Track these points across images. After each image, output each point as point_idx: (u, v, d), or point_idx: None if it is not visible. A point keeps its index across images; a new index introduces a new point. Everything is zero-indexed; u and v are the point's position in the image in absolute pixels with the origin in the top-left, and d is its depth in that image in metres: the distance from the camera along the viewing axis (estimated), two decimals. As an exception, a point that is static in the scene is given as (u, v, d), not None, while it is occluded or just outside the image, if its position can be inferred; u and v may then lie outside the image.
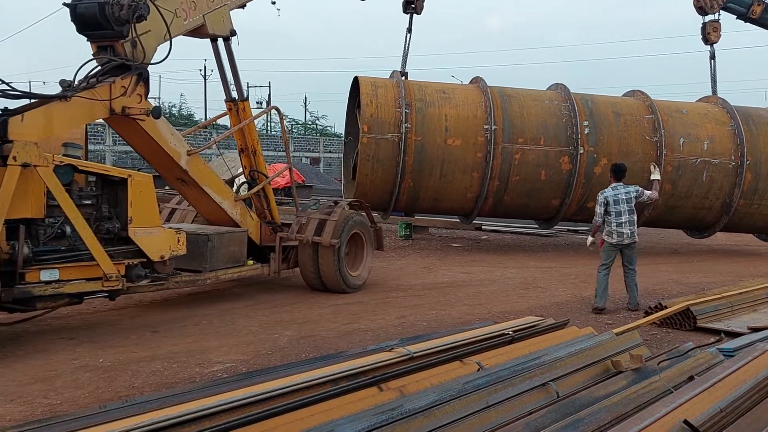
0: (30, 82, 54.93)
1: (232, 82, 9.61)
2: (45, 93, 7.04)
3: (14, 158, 6.35)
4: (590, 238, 9.71)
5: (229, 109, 9.59)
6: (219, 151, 18.92)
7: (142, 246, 7.38)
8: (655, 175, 9.76)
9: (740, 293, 9.47)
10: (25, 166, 6.40)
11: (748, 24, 17.31)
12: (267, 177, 9.80)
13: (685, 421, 4.05)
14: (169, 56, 7.81)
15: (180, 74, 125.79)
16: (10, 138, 6.44)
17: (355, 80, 14.64)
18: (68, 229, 6.83)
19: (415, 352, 5.62)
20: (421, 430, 4.12)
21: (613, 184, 9.35)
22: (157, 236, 7.56)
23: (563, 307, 9.41)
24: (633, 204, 9.18)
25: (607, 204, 9.17)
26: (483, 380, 4.97)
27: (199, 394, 4.64)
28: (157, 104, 7.72)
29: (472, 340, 6.20)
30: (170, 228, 7.92)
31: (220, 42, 9.22)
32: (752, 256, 15.91)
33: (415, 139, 13.60)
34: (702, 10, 16.63)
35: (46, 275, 6.67)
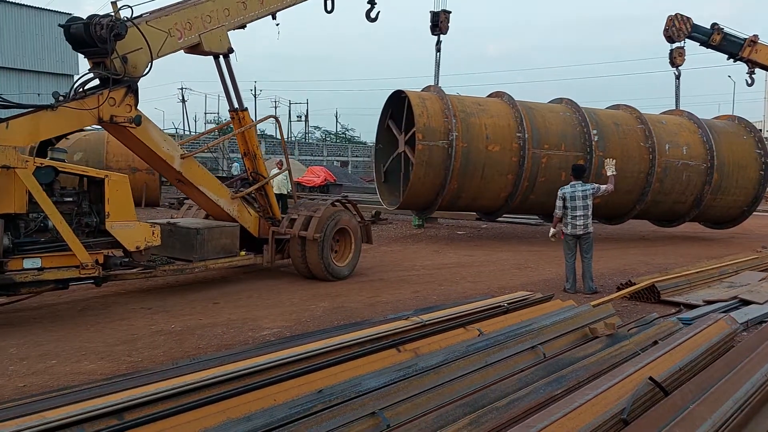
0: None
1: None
2: (35, 104, 6.76)
3: None
4: (552, 230, 9.22)
5: (232, 118, 9.19)
6: (214, 154, 18.63)
7: (119, 238, 7.10)
8: (611, 171, 9.25)
9: (697, 272, 9.42)
10: (4, 167, 6.16)
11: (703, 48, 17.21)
12: (265, 178, 9.27)
13: (651, 378, 4.04)
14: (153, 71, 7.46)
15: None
16: None
17: (397, 93, 14.14)
18: (50, 223, 6.57)
19: (426, 321, 5.62)
20: (433, 384, 4.14)
21: (572, 182, 8.98)
22: (133, 229, 7.22)
23: (549, 284, 9.37)
24: (589, 200, 8.80)
25: (564, 199, 8.87)
26: (483, 344, 4.98)
27: (252, 354, 4.67)
28: (139, 114, 7.33)
29: (474, 310, 6.19)
30: (145, 222, 7.60)
31: (222, 59, 8.77)
32: (707, 241, 15.73)
33: (462, 146, 13.21)
34: (670, 39, 16.64)
35: (29, 263, 6.44)
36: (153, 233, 7.38)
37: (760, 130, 20.81)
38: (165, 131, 8.35)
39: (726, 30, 16.93)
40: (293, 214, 9.23)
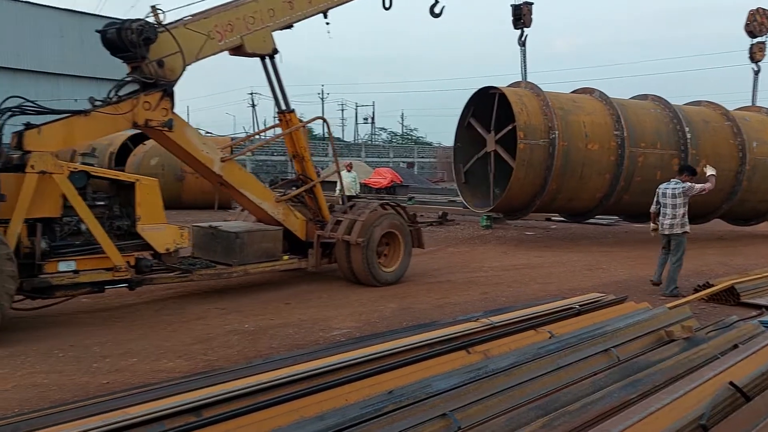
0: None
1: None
2: (69, 109, 6.83)
3: (32, 167, 6.27)
4: (651, 225, 9.04)
5: (280, 120, 9.06)
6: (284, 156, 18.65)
7: (149, 240, 7.16)
8: (710, 172, 8.98)
9: (781, 273, 8.98)
10: (41, 173, 6.31)
11: None
12: (313, 181, 9.07)
13: (731, 383, 3.89)
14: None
15: (302, 96, 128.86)
16: (26, 149, 6.36)
17: (483, 90, 13.68)
18: (83, 227, 6.68)
19: (496, 322, 5.59)
20: (503, 386, 4.12)
21: (674, 179, 8.76)
22: (163, 232, 7.26)
23: (622, 285, 9.11)
24: (679, 199, 8.49)
25: (657, 195, 8.72)
26: (554, 346, 4.91)
27: (323, 354, 4.75)
28: (172, 117, 7.29)
29: (544, 312, 6.12)
30: (175, 225, 7.55)
31: (268, 60, 8.62)
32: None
33: (563, 145, 12.60)
34: (752, 34, 16.00)
35: (63, 266, 6.56)
36: (182, 235, 7.45)
37: None
38: (235, 136, 8.60)
39: None
40: (339, 217, 9.02)
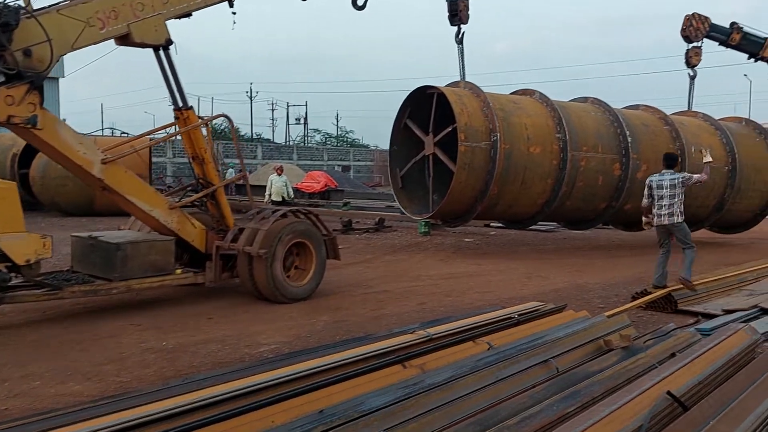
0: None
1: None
2: None
3: None
4: (644, 219, 9.17)
5: (176, 118, 8.55)
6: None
7: (7, 251, 6.66)
8: (707, 158, 9.20)
9: (715, 280, 9.42)
10: None
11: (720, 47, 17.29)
12: (214, 185, 8.61)
13: (669, 392, 4.02)
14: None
15: (230, 96, 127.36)
16: None
17: (420, 90, 13.60)
18: None
19: (433, 334, 5.62)
20: (440, 401, 4.12)
21: (662, 171, 8.93)
22: (22, 241, 6.77)
23: (561, 294, 9.33)
24: (678, 189, 8.67)
25: (650, 188, 8.83)
26: (493, 358, 4.97)
27: (248, 372, 4.66)
28: (36, 114, 6.72)
29: (483, 323, 6.19)
30: (36, 234, 7.05)
31: (162, 52, 8.18)
32: (725, 247, 15.68)
33: (504, 147, 12.62)
34: (688, 39, 16.71)
35: None
36: (44, 245, 6.97)
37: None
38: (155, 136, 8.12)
39: (746, 29, 17.02)
40: (242, 226, 8.55)
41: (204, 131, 8.96)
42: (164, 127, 9.11)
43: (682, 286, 8.61)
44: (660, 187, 8.75)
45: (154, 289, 8.26)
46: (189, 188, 9.28)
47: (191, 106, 8.60)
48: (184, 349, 6.34)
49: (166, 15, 8.03)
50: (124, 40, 7.77)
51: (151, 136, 9.82)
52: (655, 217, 8.82)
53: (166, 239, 8.15)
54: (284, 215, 8.79)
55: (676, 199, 8.71)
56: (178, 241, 8.27)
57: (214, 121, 21.78)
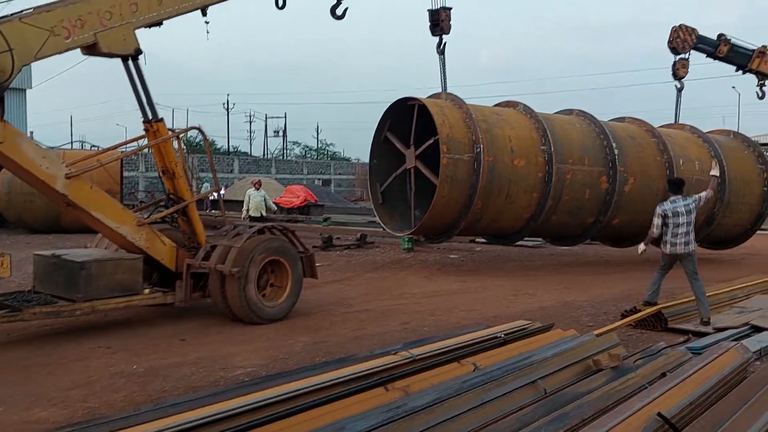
0: None
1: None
2: None
3: None
4: (642, 246, 9.06)
5: (146, 130, 8.43)
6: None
7: None
8: (715, 171, 9.19)
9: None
10: None
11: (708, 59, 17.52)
12: (187, 200, 8.52)
13: (659, 414, 4.03)
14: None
15: (207, 107, 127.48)
16: None
17: (401, 102, 13.53)
18: None
19: (417, 355, 5.60)
20: (424, 426, 4.10)
21: (672, 198, 8.82)
22: None
23: (548, 312, 9.35)
24: (693, 215, 8.64)
25: (665, 216, 8.64)
26: (478, 379, 4.96)
27: (223, 397, 4.61)
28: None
29: (468, 342, 6.18)
30: None
31: (131, 62, 8.08)
32: (715, 263, 15.81)
33: (488, 160, 12.48)
34: (675, 50, 16.82)
35: None
36: (2, 264, 6.88)
37: (768, 144, 21.34)
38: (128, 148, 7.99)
39: (733, 41, 17.24)
40: (214, 243, 8.42)
41: (175, 144, 8.89)
42: (134, 140, 8.98)
43: (669, 303, 8.67)
44: (676, 215, 8.60)
45: (121, 310, 8.14)
46: (160, 203, 9.14)
47: (161, 118, 8.51)
48: (156, 373, 6.25)
49: (135, 24, 7.95)
50: (91, 49, 7.68)
51: (120, 149, 9.64)
52: (668, 245, 8.67)
53: (133, 257, 8.00)
54: (259, 232, 8.71)
55: (691, 227, 8.66)
56: (147, 259, 8.15)
57: (189, 134, 21.54)
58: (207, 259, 8.21)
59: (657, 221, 8.70)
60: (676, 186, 9.04)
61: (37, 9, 7.18)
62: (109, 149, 10.16)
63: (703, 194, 8.97)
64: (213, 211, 24.18)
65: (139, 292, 7.94)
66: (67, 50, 7.43)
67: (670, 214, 8.63)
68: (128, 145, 9.80)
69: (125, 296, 7.78)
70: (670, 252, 8.68)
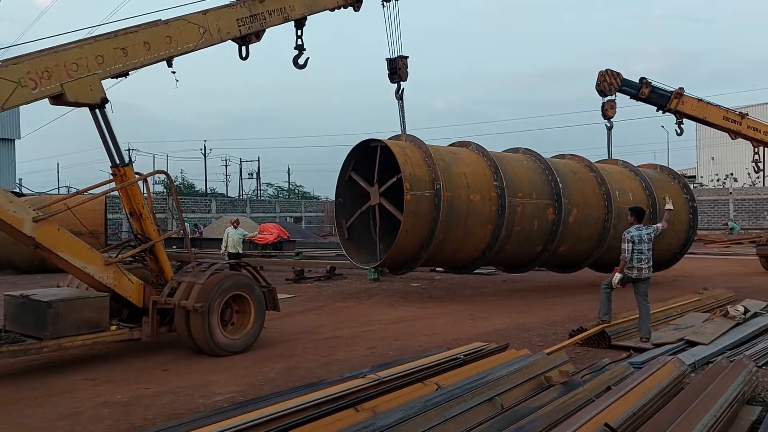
0: None
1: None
2: None
3: None
4: (618, 275, 8.68)
5: (113, 175, 8.21)
6: (163, 214, 18.08)
7: None
8: (669, 206, 9.33)
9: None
10: None
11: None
12: (152, 240, 8.30)
13: (606, 424, 4.04)
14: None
15: (187, 152, 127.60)
16: None
17: (363, 144, 13.66)
18: None
19: (384, 377, 5.56)
20: (391, 443, 4.04)
21: (636, 225, 8.87)
22: None
23: (503, 333, 9.37)
24: (651, 242, 8.75)
25: (633, 242, 8.64)
26: (441, 398, 4.92)
27: (203, 423, 4.52)
28: None
29: (431, 364, 6.15)
30: None
31: (98, 110, 7.89)
32: (651, 286, 16.08)
33: (447, 195, 12.60)
34: (602, 93, 17.15)
35: None
36: None
37: (694, 176, 21.83)
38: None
39: (654, 83, 17.73)
40: (179, 280, 8.25)
41: (143, 187, 8.75)
42: (101, 184, 8.78)
43: (611, 322, 8.75)
44: (641, 241, 8.69)
45: (98, 345, 7.88)
46: (128, 243, 8.93)
47: (129, 163, 8.35)
48: (139, 402, 6.09)
49: (101, 75, 7.82)
50: (58, 99, 7.54)
51: (89, 192, 9.42)
52: (634, 270, 8.70)
53: (99, 296, 7.78)
54: (223, 268, 8.59)
55: (651, 253, 8.78)
56: (115, 296, 7.95)
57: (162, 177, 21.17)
58: (172, 295, 8.04)
59: (628, 246, 8.67)
60: (640, 214, 9.13)
61: (5, 61, 7.06)
62: (76, 193, 9.92)
63: (660, 225, 9.12)
64: (194, 249, 23.85)
65: (105, 329, 7.70)
66: (35, 100, 7.29)
67: (637, 240, 8.69)
68: (94, 189, 9.53)
69: (92, 333, 7.54)
70: (636, 276, 8.71)
